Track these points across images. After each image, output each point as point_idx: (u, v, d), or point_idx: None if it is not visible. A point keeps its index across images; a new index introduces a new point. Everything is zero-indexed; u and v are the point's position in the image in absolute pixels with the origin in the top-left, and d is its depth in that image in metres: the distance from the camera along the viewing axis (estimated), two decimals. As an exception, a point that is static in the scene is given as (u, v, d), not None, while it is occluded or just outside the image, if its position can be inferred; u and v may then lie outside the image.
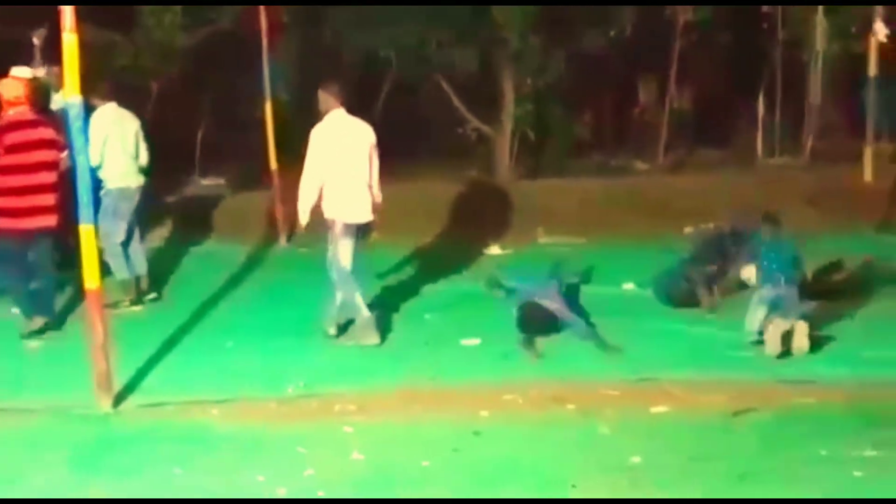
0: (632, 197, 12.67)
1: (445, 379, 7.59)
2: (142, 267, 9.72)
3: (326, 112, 8.44)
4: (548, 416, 6.84)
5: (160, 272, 10.43)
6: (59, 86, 9.40)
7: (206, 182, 14.02)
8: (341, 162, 8.32)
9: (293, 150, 12.13)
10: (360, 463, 6.17)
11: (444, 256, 11.33)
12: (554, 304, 8.55)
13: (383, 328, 8.60)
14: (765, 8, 14.20)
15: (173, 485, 5.92)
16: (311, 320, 8.88)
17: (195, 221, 12.24)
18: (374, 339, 8.39)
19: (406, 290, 9.89)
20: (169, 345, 8.36)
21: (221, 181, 14.04)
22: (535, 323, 8.42)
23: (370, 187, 8.52)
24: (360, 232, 8.53)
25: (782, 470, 5.95)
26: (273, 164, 11.93)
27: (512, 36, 13.08)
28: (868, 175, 11.69)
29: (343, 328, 8.57)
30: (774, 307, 8.06)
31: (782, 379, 7.43)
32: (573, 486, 5.79)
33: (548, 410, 6.94)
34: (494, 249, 11.56)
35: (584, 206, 12.49)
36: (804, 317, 7.99)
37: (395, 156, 14.28)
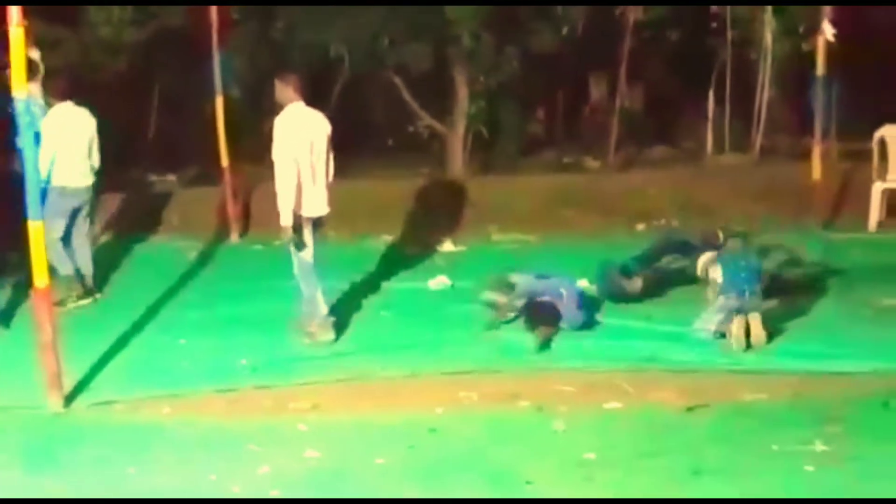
0: (583, 194, 12.73)
1: (400, 376, 7.58)
2: (87, 267, 9.61)
3: (284, 104, 8.35)
4: (502, 413, 6.86)
5: (111, 269, 10.33)
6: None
7: (156, 178, 13.90)
8: (303, 155, 8.23)
9: (244, 147, 12.15)
10: (315, 461, 6.15)
11: (396, 253, 11.32)
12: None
13: (338, 325, 8.56)
14: (714, 7, 14.30)
15: (126, 484, 5.87)
16: (264, 317, 8.86)
17: (145, 218, 12.14)
18: (329, 336, 8.36)
19: (359, 287, 9.86)
20: (120, 343, 8.27)
21: (172, 177, 13.93)
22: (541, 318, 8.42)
23: (327, 179, 8.47)
24: (316, 225, 8.45)
25: (734, 465, 6.01)
26: (224, 161, 11.85)
27: (465, 34, 13.09)
28: (816, 173, 11.80)
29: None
30: (736, 312, 8.20)
31: (733, 372, 7.50)
32: (528, 482, 5.81)
33: (502, 407, 6.96)
34: (447, 246, 11.57)
35: (536, 203, 12.53)
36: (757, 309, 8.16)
37: (347, 153, 14.33)
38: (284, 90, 8.35)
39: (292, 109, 8.32)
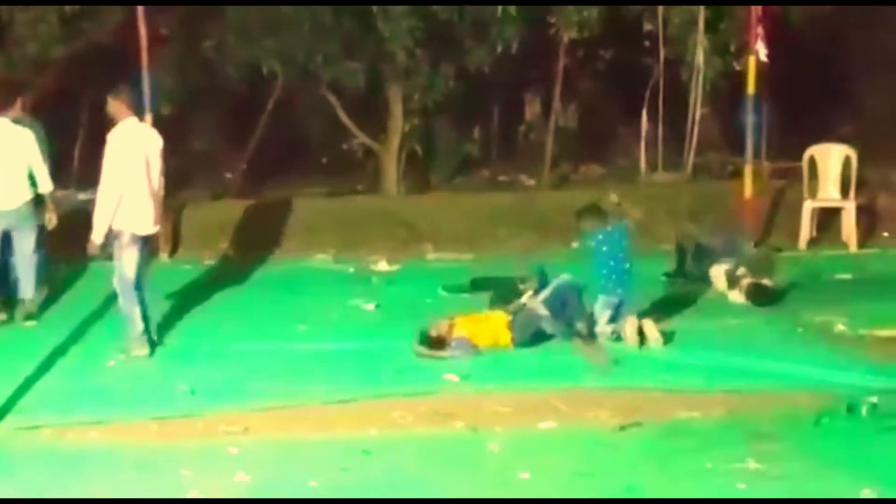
0: (519, 213, 12.75)
1: (334, 397, 7.49)
2: (25, 290, 9.38)
3: (117, 120, 8.32)
4: (437, 434, 6.81)
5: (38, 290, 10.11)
6: None
7: (82, 196, 13.64)
8: (134, 172, 8.21)
9: (172, 165, 11.99)
10: (247, 485, 6.05)
11: (330, 273, 11.25)
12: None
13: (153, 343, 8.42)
14: (647, 26, 14.43)
15: (51, 511, 5.74)
16: (192, 337, 8.74)
17: (71, 237, 11.87)
18: (143, 351, 8.27)
19: (294, 308, 9.75)
20: (46, 365, 8.10)
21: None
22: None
23: (158, 197, 8.45)
24: (146, 244, 8.47)
25: (667, 483, 6.01)
26: (154, 179, 11.66)
27: (399, 51, 13.06)
28: (748, 191, 11.93)
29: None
30: (618, 308, 8.53)
31: (667, 391, 7.51)
32: (463, 504, 5.77)
33: (437, 427, 6.90)
34: (382, 265, 11.51)
35: (471, 221, 12.53)
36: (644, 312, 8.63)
37: (279, 171, 14.26)
38: (117, 106, 8.33)
39: (126, 125, 8.29)
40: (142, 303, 8.42)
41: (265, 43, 13.17)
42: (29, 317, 9.41)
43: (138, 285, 8.39)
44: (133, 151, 8.23)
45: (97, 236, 8.19)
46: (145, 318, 8.42)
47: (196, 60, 13.71)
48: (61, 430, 6.92)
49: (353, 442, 6.62)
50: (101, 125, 13.74)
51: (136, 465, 6.34)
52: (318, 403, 7.37)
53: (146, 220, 8.34)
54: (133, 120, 8.35)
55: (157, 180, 8.42)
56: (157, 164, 8.41)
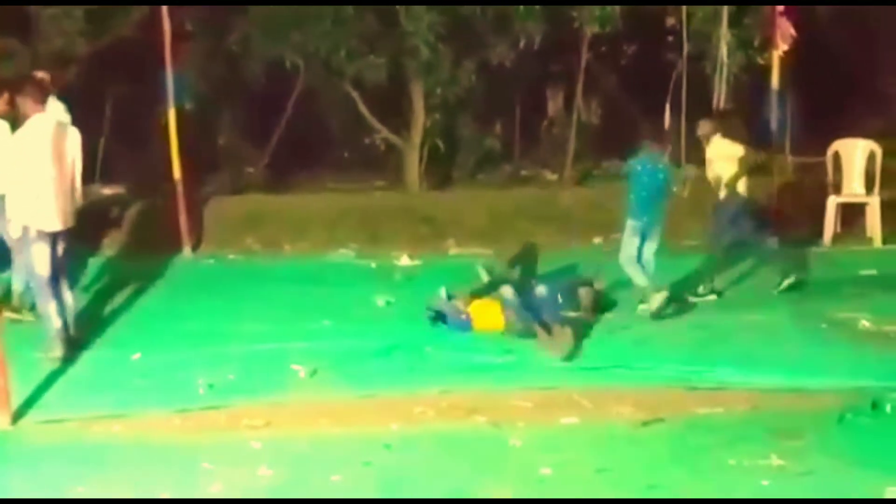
0: (541, 208, 12.73)
1: (355, 392, 7.50)
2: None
3: (27, 116, 8.17)
4: (459, 429, 6.80)
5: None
6: None
7: (106, 191, 13.73)
8: (43, 167, 8.02)
9: (196, 160, 12.04)
10: (269, 478, 6.07)
11: (353, 268, 11.26)
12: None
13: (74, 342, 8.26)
14: (670, 21, 14.37)
15: None
16: (216, 333, 8.76)
17: (95, 231, 11.97)
18: (58, 352, 8.07)
19: (316, 303, 9.76)
20: (69, 359, 8.12)
21: (122, 190, 13.77)
22: None
23: (72, 193, 8.27)
24: (61, 239, 8.22)
25: (690, 480, 5.99)
26: (177, 174, 11.71)
27: (422, 46, 13.05)
28: (771, 187, 11.88)
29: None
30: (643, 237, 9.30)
31: (690, 387, 7.49)
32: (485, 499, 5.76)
33: (459, 422, 6.90)
34: (404, 260, 11.51)
35: (494, 216, 12.52)
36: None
37: (301, 166, 14.29)
38: (27, 102, 8.17)
39: (36, 121, 8.13)
40: (59, 301, 8.21)
41: (288, 38, 13.20)
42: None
43: (55, 283, 8.20)
44: (42, 146, 8.01)
45: (15, 233, 8.04)
46: (63, 318, 8.20)
47: (219, 55, 13.76)
48: (85, 423, 6.95)
49: (374, 437, 6.62)
50: (126, 120, 13.89)
51: (158, 459, 6.37)
52: (340, 398, 7.38)
53: (56, 217, 8.10)
54: (43, 115, 8.17)
55: (71, 177, 8.22)
56: (69, 160, 8.20)
